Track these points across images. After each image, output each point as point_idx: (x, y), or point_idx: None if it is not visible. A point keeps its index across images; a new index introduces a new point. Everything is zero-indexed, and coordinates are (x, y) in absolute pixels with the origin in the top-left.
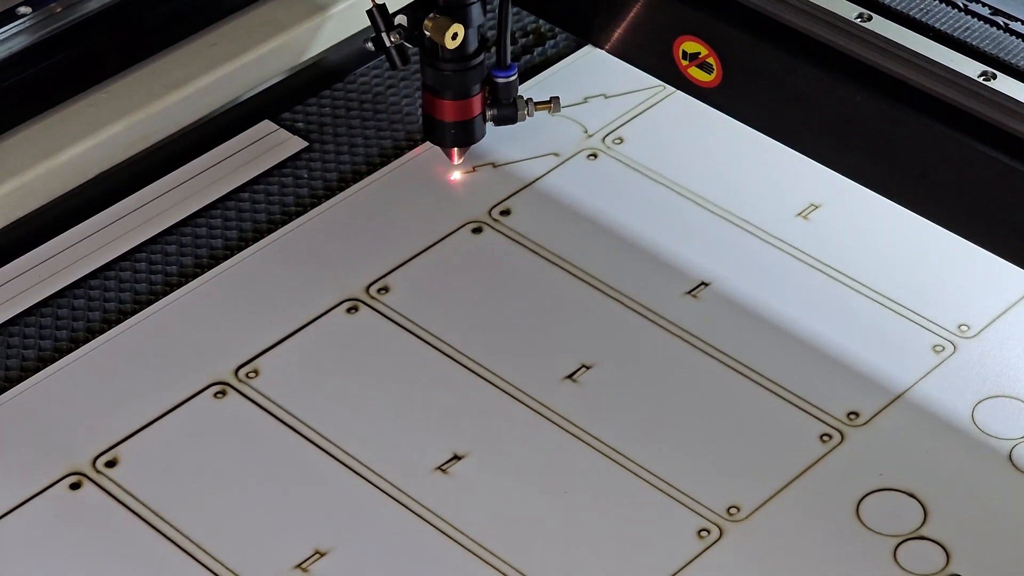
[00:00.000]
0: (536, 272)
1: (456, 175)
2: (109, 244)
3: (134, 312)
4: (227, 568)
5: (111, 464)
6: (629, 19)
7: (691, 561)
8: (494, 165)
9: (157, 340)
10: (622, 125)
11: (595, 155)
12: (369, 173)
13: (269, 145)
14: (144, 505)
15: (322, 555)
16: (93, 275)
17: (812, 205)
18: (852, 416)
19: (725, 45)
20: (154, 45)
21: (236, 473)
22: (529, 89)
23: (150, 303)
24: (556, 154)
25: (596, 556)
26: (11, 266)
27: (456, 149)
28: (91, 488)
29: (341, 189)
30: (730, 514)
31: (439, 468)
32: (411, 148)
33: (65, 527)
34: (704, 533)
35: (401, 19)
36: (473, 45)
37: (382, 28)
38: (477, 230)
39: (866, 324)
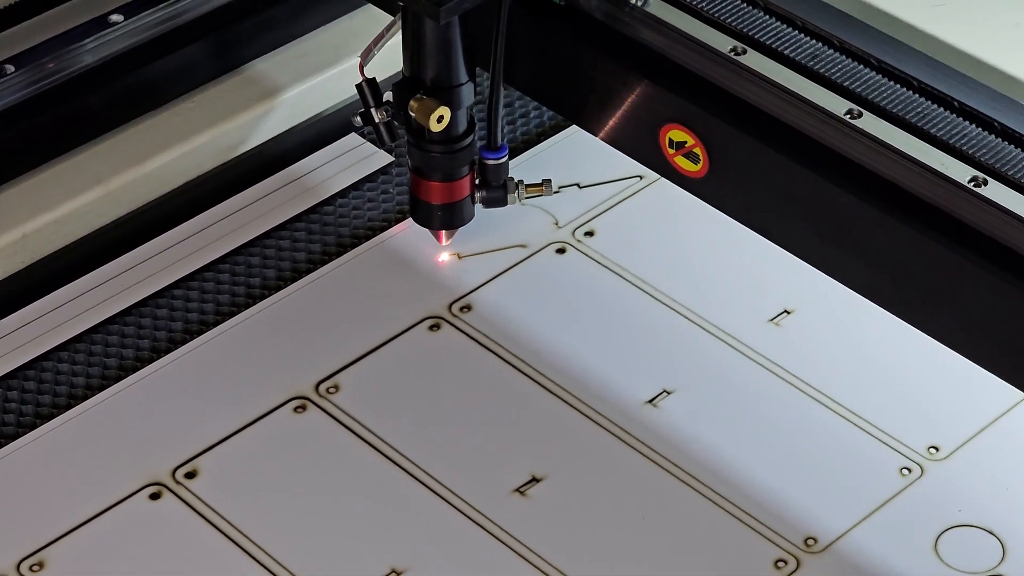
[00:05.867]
0: (494, 374)
1: (443, 256)
2: (196, 252)
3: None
4: None
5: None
6: (616, 104)
7: None
8: (459, 256)
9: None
10: (594, 217)
11: (563, 249)
12: (323, 264)
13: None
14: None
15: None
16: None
17: (785, 311)
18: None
19: (711, 135)
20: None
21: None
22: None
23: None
24: (524, 245)
25: None
26: (96, 273)
27: (444, 232)
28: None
29: (294, 280)
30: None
31: None
32: (369, 238)
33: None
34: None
35: (389, 96)
36: (461, 127)
37: (371, 104)
38: (435, 327)
39: (834, 440)
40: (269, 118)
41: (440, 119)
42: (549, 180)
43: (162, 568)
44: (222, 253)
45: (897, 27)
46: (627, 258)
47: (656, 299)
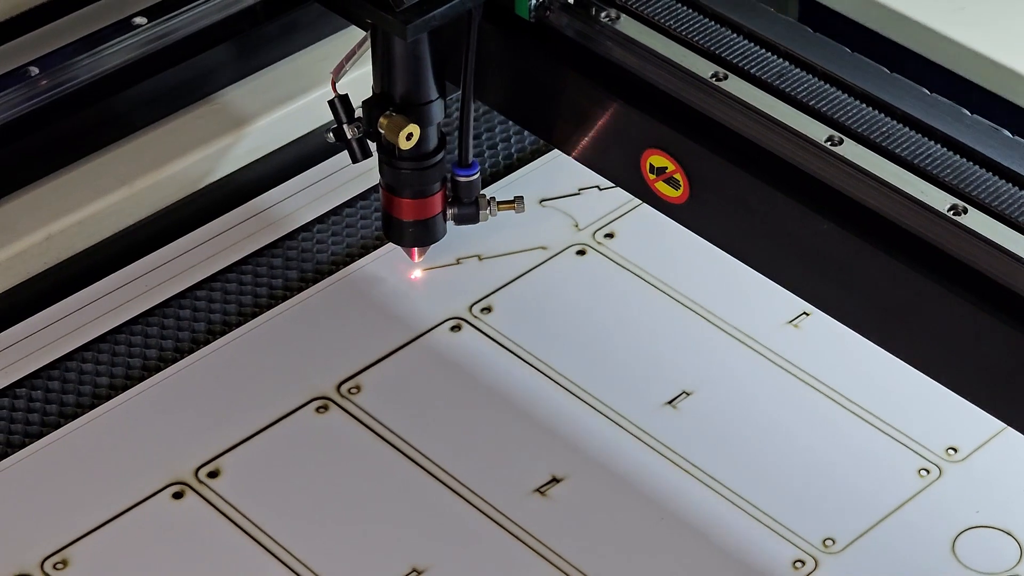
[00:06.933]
0: (515, 374)
1: (416, 273)
2: (219, 254)
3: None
4: None
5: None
6: (595, 127)
7: None
8: (480, 257)
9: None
10: (613, 220)
11: (584, 251)
12: (346, 265)
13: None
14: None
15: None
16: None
17: (804, 313)
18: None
19: (692, 162)
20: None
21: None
22: (526, 176)
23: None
24: (544, 247)
25: None
26: (120, 274)
27: (416, 248)
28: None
29: (316, 280)
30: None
31: None
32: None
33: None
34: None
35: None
36: (432, 143)
37: (343, 120)
38: (456, 328)
39: (852, 441)
40: (294, 123)
41: (409, 136)
42: (521, 197)
43: (184, 567)
44: (245, 254)
45: (916, 30)
46: (647, 260)
47: (675, 300)
